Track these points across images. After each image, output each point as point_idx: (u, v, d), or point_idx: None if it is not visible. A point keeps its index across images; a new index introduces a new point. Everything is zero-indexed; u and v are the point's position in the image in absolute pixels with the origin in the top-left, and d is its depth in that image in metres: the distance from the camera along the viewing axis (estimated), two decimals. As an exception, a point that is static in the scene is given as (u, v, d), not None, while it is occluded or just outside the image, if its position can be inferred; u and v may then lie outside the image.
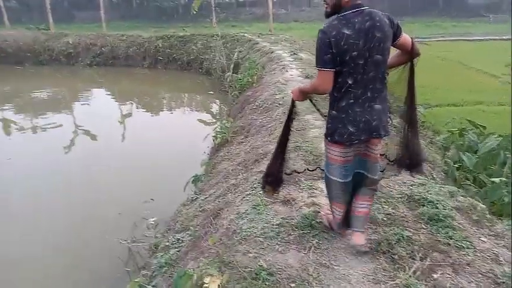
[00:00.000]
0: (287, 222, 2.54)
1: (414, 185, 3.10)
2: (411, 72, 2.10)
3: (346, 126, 2.00)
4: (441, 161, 4.77)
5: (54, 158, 6.71)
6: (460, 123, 5.92)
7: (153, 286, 2.52)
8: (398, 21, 1.99)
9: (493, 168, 4.17)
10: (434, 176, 3.83)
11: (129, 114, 10.50)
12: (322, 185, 3.06)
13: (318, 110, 2.63)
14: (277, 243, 2.34)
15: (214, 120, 8.86)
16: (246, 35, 15.87)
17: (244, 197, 3.04)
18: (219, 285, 2.01)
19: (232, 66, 11.75)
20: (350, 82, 1.95)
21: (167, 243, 3.06)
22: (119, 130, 8.66)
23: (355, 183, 2.21)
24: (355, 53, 1.87)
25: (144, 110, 11.39)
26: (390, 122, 2.15)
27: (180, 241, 3.01)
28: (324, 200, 2.74)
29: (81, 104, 11.84)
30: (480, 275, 2.07)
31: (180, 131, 8.41)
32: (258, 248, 2.30)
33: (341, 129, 2.02)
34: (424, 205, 2.74)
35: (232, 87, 9.32)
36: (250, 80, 8.57)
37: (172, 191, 4.88)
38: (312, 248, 2.28)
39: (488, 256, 2.23)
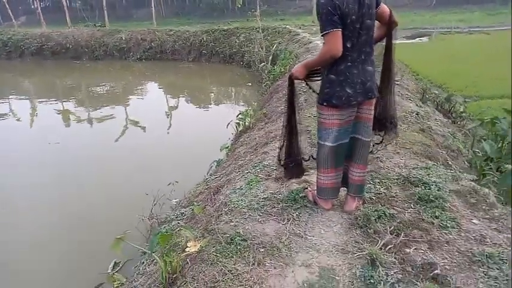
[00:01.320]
0: (274, 196, 2.63)
1: (416, 168, 3.02)
2: (389, 43, 2.22)
3: (344, 88, 2.10)
4: (468, 151, 4.53)
5: (99, 143, 7.38)
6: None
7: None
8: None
9: (521, 157, 3.89)
10: (450, 163, 3.66)
11: (175, 106, 11.10)
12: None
13: (314, 90, 2.66)
14: (258, 214, 2.44)
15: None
16: (287, 26, 15.86)
17: (243, 175, 3.17)
18: (199, 247, 2.18)
19: (270, 57, 11.86)
20: (348, 46, 2.04)
21: (172, 216, 3.29)
22: (161, 120, 9.18)
23: (351, 148, 2.31)
24: (353, 16, 1.99)
25: (185, 102, 11.93)
26: (377, 84, 2.25)
27: (183, 214, 3.22)
28: (315, 178, 2.79)
29: (131, 97, 12.70)
30: (457, 253, 2.01)
31: (213, 120, 8.75)
32: (240, 218, 2.42)
33: (339, 92, 2.11)
34: (418, 186, 2.68)
35: (266, 78, 9.43)
36: (283, 70, 8.63)
37: (199, 174, 5.19)
38: (291, 220, 2.35)
39: (473, 237, 2.15)
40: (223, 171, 3.91)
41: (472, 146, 4.79)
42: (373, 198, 2.56)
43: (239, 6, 17.72)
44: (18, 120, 9.69)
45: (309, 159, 2.55)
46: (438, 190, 2.60)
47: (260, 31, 14.40)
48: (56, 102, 12.00)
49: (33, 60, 19.31)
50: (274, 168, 3.03)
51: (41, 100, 12.34)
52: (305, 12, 38.20)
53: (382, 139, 2.52)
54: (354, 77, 2.10)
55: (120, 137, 7.86)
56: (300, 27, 15.88)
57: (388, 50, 2.24)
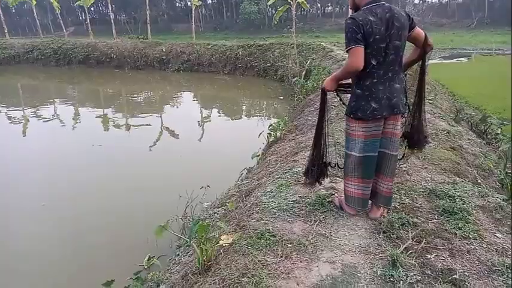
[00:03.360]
0: (302, 200, 2.80)
1: (443, 182, 3.10)
2: (422, 65, 2.41)
3: (369, 102, 2.26)
4: (501, 171, 4.49)
5: (136, 148, 7.84)
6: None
7: (187, 245, 2.99)
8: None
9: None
10: (479, 181, 3.69)
11: (208, 116, 11.54)
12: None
13: (343, 103, 2.82)
14: (287, 215, 2.62)
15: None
16: (322, 43, 16.08)
17: (274, 180, 3.37)
18: (232, 240, 2.38)
19: (304, 73, 12.08)
20: (374, 63, 2.22)
21: (205, 215, 3.52)
22: (197, 130, 9.59)
23: (379, 162, 2.44)
24: (378, 36, 2.16)
25: (220, 113, 12.33)
26: (406, 101, 2.40)
27: (215, 214, 3.45)
28: (342, 186, 2.94)
29: (167, 106, 13.31)
30: (477, 262, 2.10)
31: (245, 131, 9.04)
32: (270, 217, 2.61)
33: (364, 106, 2.27)
34: (443, 199, 2.76)
35: (298, 92, 9.64)
36: (315, 85, 8.81)
37: (230, 179, 5.41)
38: (318, 222, 2.52)
39: (495, 249, 2.22)
40: (254, 177, 4.12)
41: (505, 167, 4.74)
42: (398, 207, 2.68)
43: (275, 22, 18.14)
44: (62, 123, 10.41)
45: (334, 166, 2.73)
46: (463, 204, 2.67)
47: (294, 47, 14.72)
48: (97, 108, 12.80)
49: (79, 68, 20.62)
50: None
51: (83, 106, 13.20)
52: (340, 29, 38.43)
53: (404, 154, 2.65)
54: (379, 93, 2.25)
55: (156, 143, 8.30)
56: (335, 45, 16.07)
57: (422, 72, 2.41)
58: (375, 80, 2.25)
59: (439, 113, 6.25)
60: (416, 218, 2.54)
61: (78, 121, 10.81)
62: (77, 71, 20.23)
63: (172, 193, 5.52)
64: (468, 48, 25.56)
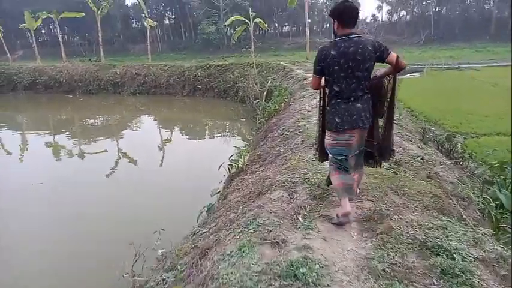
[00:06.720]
0: (270, 269, 2.21)
1: (432, 228, 2.65)
2: (394, 82, 2.76)
3: (334, 118, 2.72)
4: (478, 198, 4.19)
5: (84, 183, 6.97)
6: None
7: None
8: (385, 46, 2.61)
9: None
10: (464, 216, 3.30)
11: (167, 139, 10.83)
12: (321, 225, 2.74)
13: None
14: (252, 295, 2.02)
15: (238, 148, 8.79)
16: (281, 63, 15.92)
17: (234, 235, 2.76)
18: None
19: (265, 93, 11.71)
20: (336, 89, 2.67)
21: (152, 284, 2.85)
22: (152, 157, 8.83)
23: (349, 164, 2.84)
24: (336, 67, 2.59)
25: (178, 138, 11.62)
26: (369, 117, 2.73)
27: (164, 281, 2.78)
28: (317, 242, 2.40)
29: (123, 132, 12.40)
30: None
31: (205, 158, 8.38)
32: (230, 300, 2.01)
33: (331, 120, 2.75)
34: (438, 254, 2.29)
35: (260, 115, 9.19)
36: (277, 107, 8.40)
37: (188, 219, 4.79)
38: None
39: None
40: (213, 225, 3.49)
41: (481, 192, 4.46)
42: (388, 270, 2.17)
43: (234, 42, 17.84)
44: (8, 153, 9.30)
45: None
46: (463, 260, 2.21)
47: (254, 67, 14.40)
48: (46, 135, 11.71)
49: (25, 95, 19.11)
50: (270, 229, 2.65)
51: (31, 133, 12.03)
52: (299, 48, 39.10)
53: (376, 161, 3.08)
54: (342, 111, 2.68)
55: (108, 175, 7.47)
56: (294, 64, 15.93)
57: (392, 92, 2.78)
58: (339, 101, 2.69)
59: (407, 135, 5.99)
60: (412, 286, 2.03)
61: (26, 151, 9.74)
62: (23, 98, 18.74)
63: (122, 240, 4.81)
64: (419, 63, 26.62)
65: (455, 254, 2.27)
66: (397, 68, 2.63)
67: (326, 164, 4.05)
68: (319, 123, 3.13)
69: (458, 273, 2.10)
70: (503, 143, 7.38)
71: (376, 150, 2.98)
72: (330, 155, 2.86)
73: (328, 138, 2.82)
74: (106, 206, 5.95)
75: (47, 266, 4.44)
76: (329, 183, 3.17)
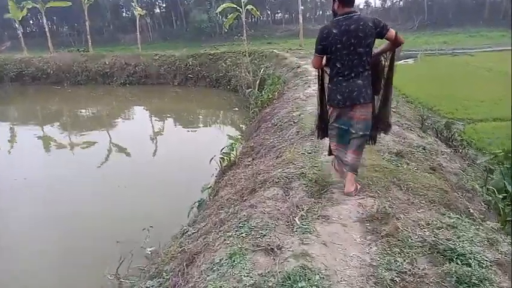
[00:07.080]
0: (265, 281, 1.96)
1: (441, 227, 2.41)
2: (392, 58, 2.89)
3: (336, 95, 2.86)
4: (482, 188, 3.96)
5: (75, 175, 6.70)
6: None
7: None
8: (384, 23, 2.74)
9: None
10: (471, 210, 3.08)
11: (158, 131, 10.52)
12: (320, 227, 2.48)
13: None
14: (243, 313, 1.77)
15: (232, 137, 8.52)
16: (274, 50, 15.52)
17: (225, 240, 2.50)
18: None
19: (258, 82, 11.38)
20: (338, 66, 2.78)
21: (138, 289, 2.59)
22: (142, 149, 8.54)
23: (346, 137, 2.97)
24: (339, 45, 2.70)
25: (170, 128, 11.29)
26: (370, 93, 2.84)
27: (148, 290, 2.52)
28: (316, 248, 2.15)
29: (113, 124, 12.04)
30: None
31: (198, 149, 8.08)
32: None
33: (333, 96, 2.89)
34: (452, 259, 2.05)
35: (253, 104, 8.89)
36: (271, 96, 8.10)
37: (181, 212, 4.59)
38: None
39: None
40: (203, 225, 3.23)
41: (485, 182, 4.24)
42: (397, 280, 1.92)
43: (226, 30, 17.39)
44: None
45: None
46: (479, 265, 1.98)
47: (247, 55, 14.01)
48: (34, 128, 11.35)
49: (12, 86, 18.55)
50: (264, 233, 2.39)
51: (17, 125, 11.67)
52: (292, 35, 38.49)
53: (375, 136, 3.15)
54: (343, 88, 2.81)
55: (98, 166, 7.16)
56: (287, 51, 15.55)
57: (391, 65, 2.90)
58: (340, 78, 2.81)
59: (406, 123, 5.75)
60: (425, 298, 1.80)
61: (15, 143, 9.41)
62: (10, 90, 18.17)
63: (109, 236, 4.60)
64: (413, 49, 26.30)
65: (470, 258, 2.03)
66: (396, 44, 2.77)
67: (323, 157, 3.84)
68: (318, 101, 3.22)
69: (476, 281, 1.86)
70: (500, 128, 7.19)
71: (373, 124, 3.01)
72: (330, 125, 3.03)
73: (331, 112, 2.98)
74: (100, 201, 5.72)
75: (39, 263, 4.28)
76: (330, 152, 3.28)
